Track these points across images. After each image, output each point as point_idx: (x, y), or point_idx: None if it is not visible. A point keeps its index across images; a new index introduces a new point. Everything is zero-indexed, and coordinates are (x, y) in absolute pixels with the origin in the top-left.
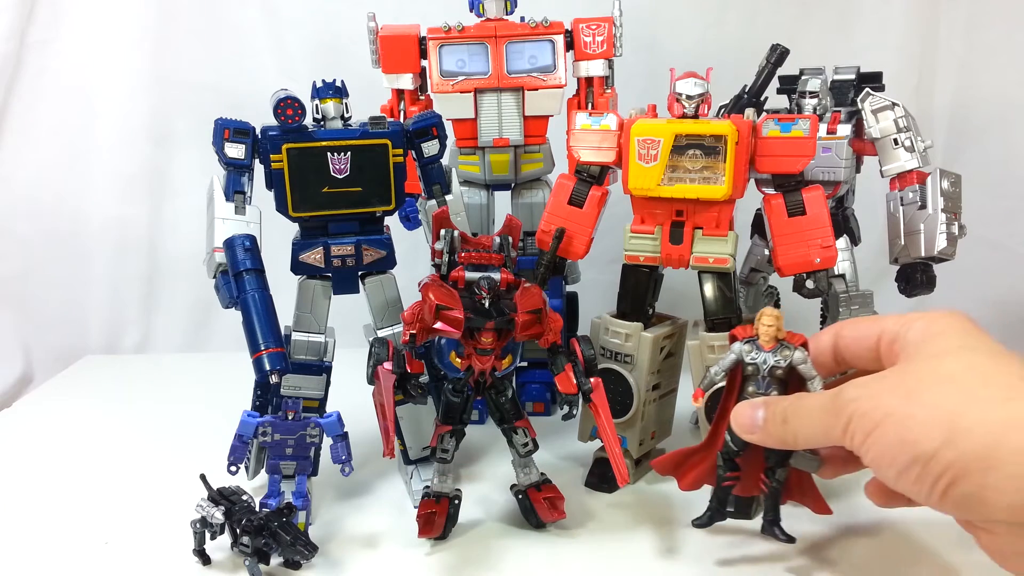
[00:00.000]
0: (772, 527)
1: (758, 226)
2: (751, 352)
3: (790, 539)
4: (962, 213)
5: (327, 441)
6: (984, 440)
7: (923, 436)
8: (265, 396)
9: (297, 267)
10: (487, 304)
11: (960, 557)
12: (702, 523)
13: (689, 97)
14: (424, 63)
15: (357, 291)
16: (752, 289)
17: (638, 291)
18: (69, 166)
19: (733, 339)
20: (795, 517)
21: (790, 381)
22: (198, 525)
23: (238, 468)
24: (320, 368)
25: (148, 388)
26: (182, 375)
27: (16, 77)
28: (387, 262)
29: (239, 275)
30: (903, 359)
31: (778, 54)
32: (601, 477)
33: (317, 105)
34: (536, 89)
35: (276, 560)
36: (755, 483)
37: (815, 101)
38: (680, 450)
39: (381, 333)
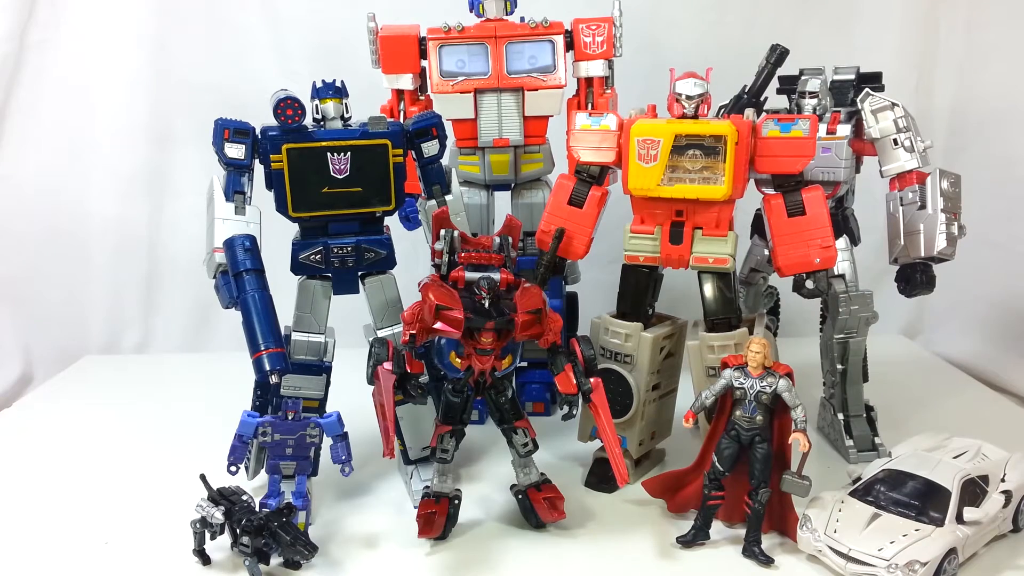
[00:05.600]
0: (752, 548)
1: (758, 226)
2: (740, 378)
3: (769, 561)
4: (962, 213)
5: (327, 441)
6: None
7: None
8: (265, 396)
9: (297, 267)
10: (487, 304)
11: None
12: (686, 540)
13: (689, 97)
14: (424, 63)
15: (357, 291)
16: (752, 289)
17: (638, 291)
18: (69, 166)
19: (725, 366)
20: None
21: (776, 408)
22: (198, 525)
23: (238, 468)
24: (320, 368)
25: (148, 388)
26: (182, 375)
27: (16, 77)
28: (387, 262)
29: (239, 275)
30: None
31: (778, 54)
32: (601, 477)
33: (317, 105)
34: (536, 89)
35: (276, 560)
36: (739, 507)
37: (815, 101)
38: (670, 472)
39: (381, 333)
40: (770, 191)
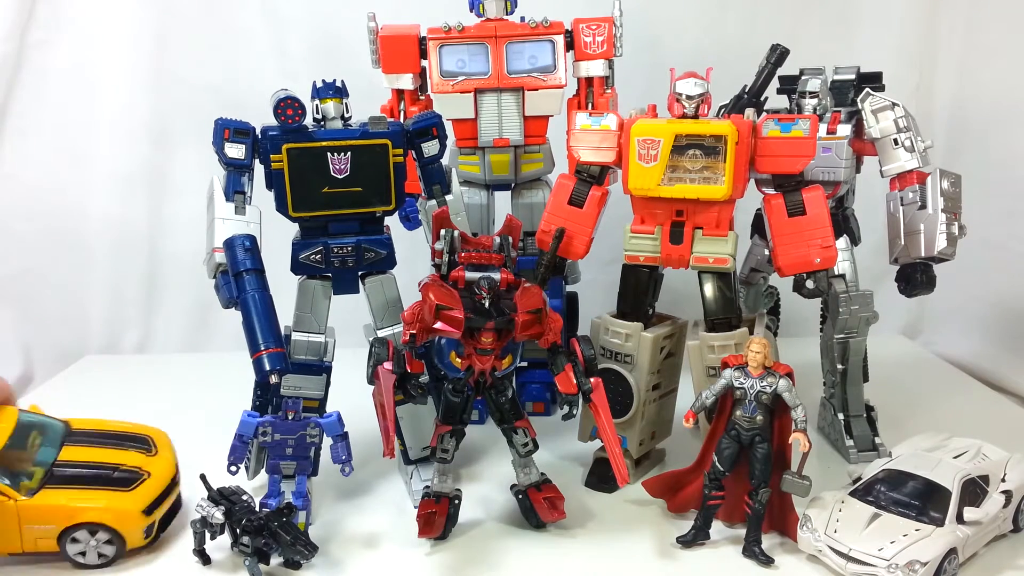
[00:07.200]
0: (752, 548)
1: (758, 226)
2: (740, 378)
3: (769, 561)
4: (962, 213)
5: (327, 441)
6: None
7: None
8: (265, 396)
9: (297, 267)
10: (487, 304)
11: None
12: (686, 540)
13: (689, 97)
14: (424, 63)
15: (357, 291)
16: (752, 289)
17: (638, 291)
18: (69, 166)
19: (725, 366)
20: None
21: (776, 408)
22: (198, 525)
23: (238, 468)
24: (320, 368)
25: (148, 388)
26: (182, 375)
27: (16, 77)
28: (387, 262)
29: (239, 275)
30: None
31: (778, 54)
32: (601, 477)
33: (317, 105)
34: (536, 89)
35: (276, 560)
36: (740, 507)
37: (815, 101)
38: (670, 472)
39: (381, 333)
40: (770, 191)
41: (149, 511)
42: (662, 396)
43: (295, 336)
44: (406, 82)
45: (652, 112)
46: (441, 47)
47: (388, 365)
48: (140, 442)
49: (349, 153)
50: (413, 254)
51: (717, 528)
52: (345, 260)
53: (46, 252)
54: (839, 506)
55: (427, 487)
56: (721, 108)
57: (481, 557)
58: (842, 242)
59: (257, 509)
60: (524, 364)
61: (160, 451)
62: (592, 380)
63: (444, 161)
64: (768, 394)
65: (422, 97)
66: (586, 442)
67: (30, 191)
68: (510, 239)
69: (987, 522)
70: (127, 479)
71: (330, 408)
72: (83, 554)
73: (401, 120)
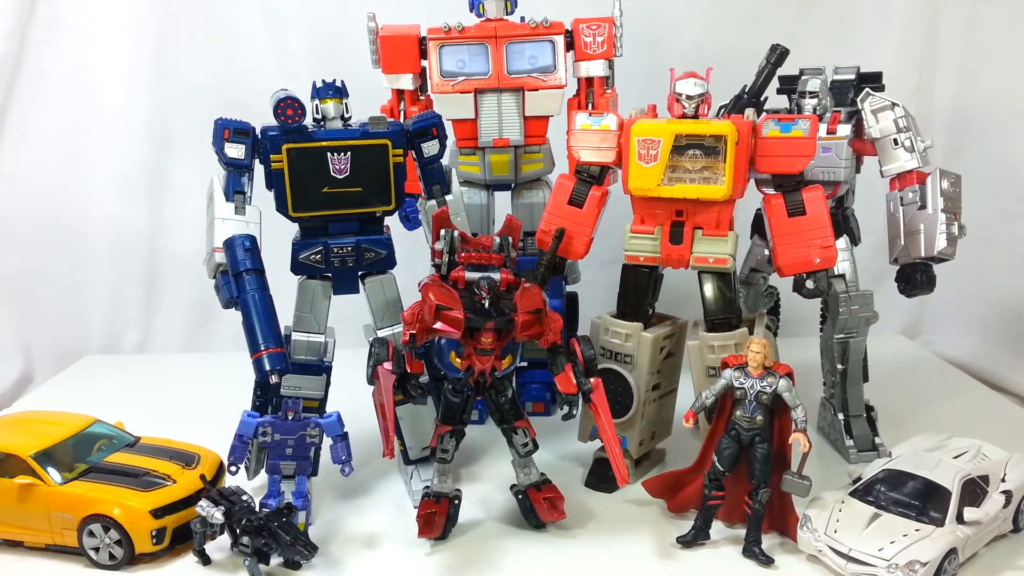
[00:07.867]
0: (752, 548)
1: (758, 226)
2: (740, 378)
3: (769, 561)
4: (962, 213)
5: (327, 441)
6: None
7: None
8: (265, 396)
9: (297, 267)
10: (487, 304)
11: None
12: (686, 540)
13: (689, 97)
14: (424, 63)
15: (357, 291)
16: (752, 289)
17: (638, 291)
18: (69, 166)
19: (725, 366)
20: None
21: (776, 407)
22: (198, 525)
23: (238, 468)
24: (320, 368)
25: (148, 388)
26: (182, 375)
27: (16, 77)
28: (387, 262)
29: (239, 275)
30: None
31: (778, 54)
32: (601, 477)
33: (317, 105)
34: (536, 89)
35: (276, 560)
36: (740, 507)
37: (815, 101)
38: (670, 472)
39: (381, 333)
40: (770, 191)
41: (158, 514)
42: (662, 396)
43: (295, 336)
44: (406, 82)
45: (652, 112)
46: (441, 47)
47: (388, 365)
48: (186, 458)
49: (349, 153)
50: (413, 254)
51: (717, 528)
52: (345, 260)
53: (46, 252)
54: (839, 506)
55: (427, 487)
56: (721, 108)
57: (481, 557)
58: (842, 242)
59: (257, 509)
60: (524, 364)
61: (199, 468)
62: (592, 380)
63: (444, 161)
64: (768, 394)
65: (422, 97)
66: (586, 442)
67: (30, 191)
68: (510, 239)
69: (987, 522)
70: (149, 483)
71: (330, 408)
72: (97, 550)
73: (401, 120)
